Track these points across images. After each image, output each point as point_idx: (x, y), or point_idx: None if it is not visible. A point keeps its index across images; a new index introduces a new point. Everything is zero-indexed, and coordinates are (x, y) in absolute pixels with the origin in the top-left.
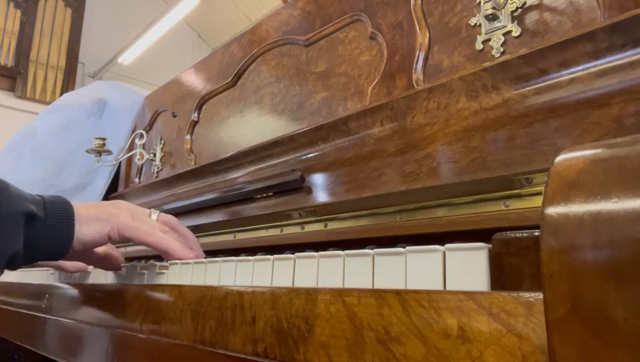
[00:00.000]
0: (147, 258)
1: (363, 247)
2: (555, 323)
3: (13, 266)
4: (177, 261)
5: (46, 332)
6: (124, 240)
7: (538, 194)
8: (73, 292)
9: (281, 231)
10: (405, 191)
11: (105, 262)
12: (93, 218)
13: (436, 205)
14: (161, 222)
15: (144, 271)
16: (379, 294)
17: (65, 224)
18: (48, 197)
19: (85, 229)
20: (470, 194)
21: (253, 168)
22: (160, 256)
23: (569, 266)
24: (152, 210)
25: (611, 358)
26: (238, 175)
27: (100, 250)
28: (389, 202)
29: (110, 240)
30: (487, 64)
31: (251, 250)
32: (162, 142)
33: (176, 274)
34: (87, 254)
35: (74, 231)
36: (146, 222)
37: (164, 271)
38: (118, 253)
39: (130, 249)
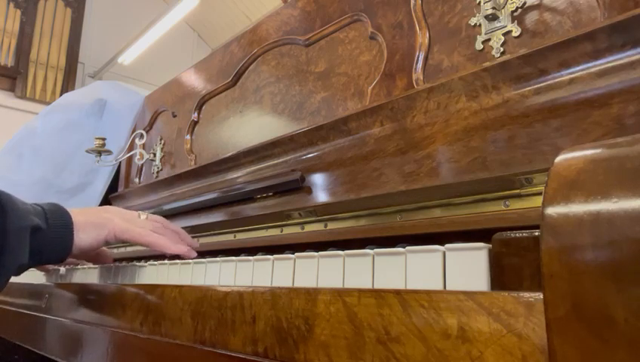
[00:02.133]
0: (146, 258)
1: (363, 247)
2: (555, 323)
3: (17, 274)
4: (177, 261)
5: (46, 332)
6: (120, 242)
7: (538, 194)
8: (73, 292)
9: (281, 231)
10: (405, 191)
11: (97, 259)
12: (90, 224)
13: (436, 205)
14: (151, 221)
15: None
16: (379, 294)
17: (65, 233)
18: (47, 206)
19: (83, 236)
20: (470, 194)
21: (253, 168)
22: (157, 256)
23: (569, 266)
24: (140, 211)
25: (611, 358)
26: (238, 175)
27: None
28: (389, 202)
29: (107, 244)
30: (487, 64)
31: (251, 250)
32: (162, 142)
33: (175, 275)
34: (84, 256)
35: (73, 239)
36: (138, 223)
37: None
38: (107, 250)
39: (129, 249)
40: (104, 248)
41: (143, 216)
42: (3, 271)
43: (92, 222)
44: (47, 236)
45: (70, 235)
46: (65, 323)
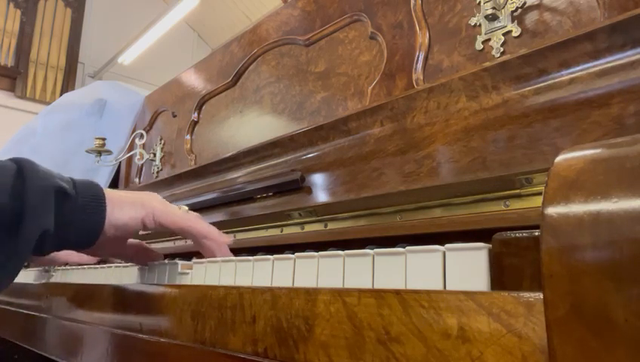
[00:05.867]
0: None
1: (363, 247)
2: (555, 323)
3: (42, 250)
4: (177, 261)
5: (46, 332)
6: (158, 227)
7: (538, 194)
8: (73, 292)
9: (281, 231)
10: (405, 191)
11: (140, 256)
12: (127, 202)
13: (436, 205)
14: (191, 214)
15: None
16: (379, 294)
17: (96, 204)
18: (77, 179)
19: (118, 212)
20: (470, 194)
21: (253, 168)
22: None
23: (569, 266)
24: (180, 205)
25: (611, 358)
26: (238, 175)
27: (132, 245)
28: (388, 202)
29: (144, 226)
30: (487, 64)
31: (251, 250)
32: (162, 142)
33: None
34: (120, 247)
35: (106, 212)
36: (177, 212)
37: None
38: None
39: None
40: (145, 246)
41: (184, 208)
42: (24, 239)
43: (128, 199)
44: (76, 205)
45: (102, 208)
46: (65, 323)
